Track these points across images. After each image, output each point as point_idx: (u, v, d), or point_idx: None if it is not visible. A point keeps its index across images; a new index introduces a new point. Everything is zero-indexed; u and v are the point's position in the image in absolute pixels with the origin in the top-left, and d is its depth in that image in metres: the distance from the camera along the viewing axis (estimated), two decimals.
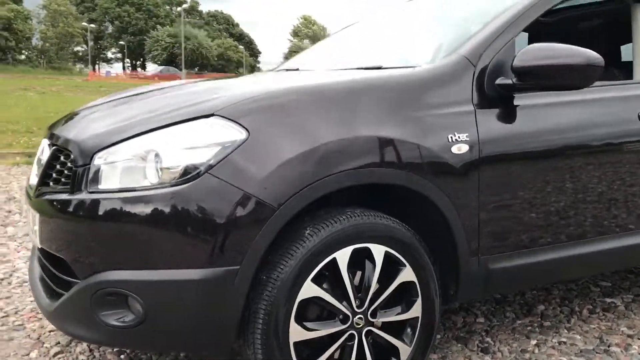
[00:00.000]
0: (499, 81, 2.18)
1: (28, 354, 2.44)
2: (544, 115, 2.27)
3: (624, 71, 2.92)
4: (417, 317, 2.08)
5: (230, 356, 2.29)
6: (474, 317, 2.92)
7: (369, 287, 1.96)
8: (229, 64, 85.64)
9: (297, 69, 2.84)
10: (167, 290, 1.74)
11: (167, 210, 1.73)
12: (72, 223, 1.88)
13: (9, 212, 5.02)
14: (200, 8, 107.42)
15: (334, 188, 1.85)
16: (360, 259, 1.95)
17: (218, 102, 1.88)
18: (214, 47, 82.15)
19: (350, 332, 1.94)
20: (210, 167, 1.73)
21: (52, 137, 2.24)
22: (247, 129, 1.78)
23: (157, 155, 1.78)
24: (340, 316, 1.92)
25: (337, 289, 1.91)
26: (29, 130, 10.30)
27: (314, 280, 1.85)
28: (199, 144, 1.77)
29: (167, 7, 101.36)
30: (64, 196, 1.89)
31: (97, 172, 1.83)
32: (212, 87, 2.35)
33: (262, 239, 1.75)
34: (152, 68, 68.89)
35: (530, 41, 3.37)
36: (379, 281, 1.98)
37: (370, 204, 2.05)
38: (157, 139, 1.81)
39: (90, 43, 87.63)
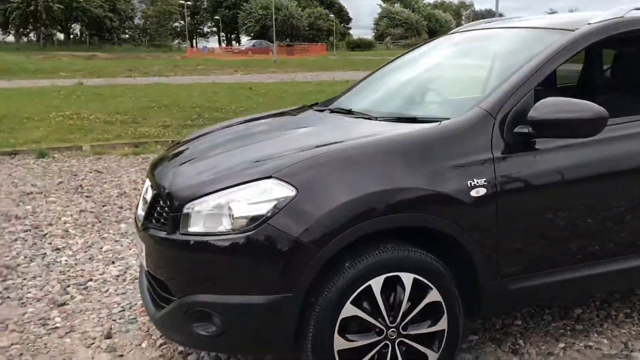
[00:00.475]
0: (517, 129, 2.54)
1: (140, 344, 3.11)
2: (557, 156, 2.60)
3: None
4: (444, 330, 2.52)
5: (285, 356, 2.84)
6: (513, 319, 3.30)
7: (400, 306, 2.42)
8: (320, 33, 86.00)
9: (350, 110, 3.27)
10: (239, 310, 2.30)
11: (237, 250, 2.27)
12: (170, 256, 2.48)
13: (121, 207, 5.81)
14: None
15: (366, 231, 2.32)
16: (394, 283, 2.41)
17: (276, 164, 2.39)
18: (304, 17, 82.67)
19: (385, 342, 2.43)
20: (268, 218, 2.25)
21: (152, 178, 2.85)
22: (296, 188, 2.28)
23: (229, 208, 2.32)
24: (376, 329, 2.41)
25: (373, 308, 2.39)
26: (134, 120, 11.34)
27: (352, 302, 2.34)
28: (261, 199, 2.29)
29: None
30: (163, 234, 2.49)
31: (187, 218, 2.41)
32: (269, 142, 2.87)
33: (308, 273, 2.26)
34: (245, 41, 70.62)
35: None
36: (409, 301, 2.44)
37: (405, 237, 2.50)
38: (230, 195, 2.35)
39: (188, 19, 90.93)
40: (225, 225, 2.32)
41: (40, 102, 13.02)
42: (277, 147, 2.64)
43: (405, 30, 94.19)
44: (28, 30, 64.23)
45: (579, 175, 2.65)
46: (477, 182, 2.46)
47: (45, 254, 4.45)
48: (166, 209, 2.54)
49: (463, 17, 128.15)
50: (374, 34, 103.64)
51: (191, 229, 2.39)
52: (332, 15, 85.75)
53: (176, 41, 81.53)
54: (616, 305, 3.47)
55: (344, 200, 2.29)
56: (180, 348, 3.03)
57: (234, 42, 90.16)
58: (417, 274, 2.42)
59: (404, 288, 2.42)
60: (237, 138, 3.07)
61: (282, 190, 2.29)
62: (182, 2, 65.18)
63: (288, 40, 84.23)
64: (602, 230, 2.75)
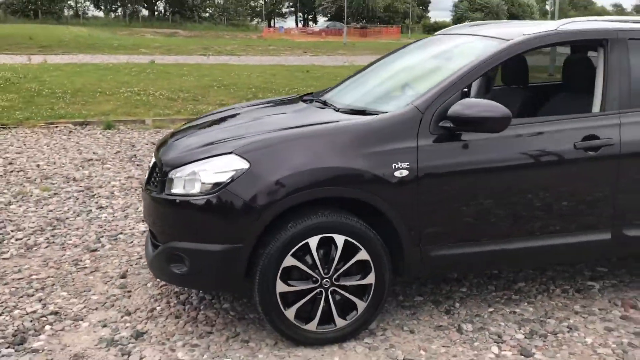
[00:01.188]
0: (441, 124, 3.07)
1: (146, 284, 3.86)
2: (475, 147, 3.11)
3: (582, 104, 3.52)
4: (371, 284, 3.11)
5: (242, 293, 3.48)
6: (459, 287, 3.83)
7: (333, 261, 3.02)
8: (396, 15, 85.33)
9: (324, 102, 3.84)
10: (202, 255, 2.98)
11: (203, 208, 2.95)
12: (158, 211, 3.18)
13: None
14: None
15: (304, 199, 2.93)
16: (329, 243, 3.02)
17: (239, 143, 3.04)
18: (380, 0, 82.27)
19: (320, 289, 3.04)
20: (227, 184, 2.91)
21: (156, 150, 3.56)
22: (250, 162, 2.92)
23: (200, 175, 2.99)
24: (313, 279, 3.02)
25: (310, 261, 3.01)
26: (194, 98, 12.26)
27: (293, 255, 2.96)
28: (222, 170, 2.95)
29: None
30: (155, 194, 3.20)
31: (171, 182, 3.10)
32: (245, 124, 3.51)
33: (255, 229, 2.90)
34: (320, 23, 71.26)
35: None
36: (342, 257, 3.03)
37: (343, 207, 3.09)
38: (202, 165, 3.02)
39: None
40: (196, 188, 3.00)
41: (113, 78, 14.18)
42: (249, 130, 3.29)
43: (485, 15, 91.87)
44: (116, 6, 67.50)
45: (492, 165, 3.15)
46: (401, 165, 3.01)
47: (90, 210, 5.32)
48: (159, 174, 3.24)
49: (549, 2, 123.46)
50: (452, 17, 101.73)
51: (173, 190, 3.08)
52: None
53: (255, 21, 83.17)
54: (559, 282, 3.92)
55: (286, 174, 2.91)
56: (176, 289, 3.76)
57: (310, 23, 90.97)
58: (348, 236, 3.01)
59: (336, 247, 3.01)
60: (226, 118, 3.74)
61: (239, 163, 2.94)
62: None
63: (365, 22, 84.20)
64: (511, 212, 3.24)
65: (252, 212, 2.90)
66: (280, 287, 3.00)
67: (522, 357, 3.04)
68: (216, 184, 2.94)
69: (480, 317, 3.45)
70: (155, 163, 3.42)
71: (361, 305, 3.13)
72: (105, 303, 3.57)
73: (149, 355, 3.01)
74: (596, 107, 3.40)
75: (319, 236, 2.98)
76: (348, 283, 3.09)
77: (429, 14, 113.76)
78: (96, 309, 3.50)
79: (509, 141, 3.17)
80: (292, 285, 3.02)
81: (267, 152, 2.99)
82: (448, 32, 4.41)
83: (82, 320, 3.37)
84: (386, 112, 3.19)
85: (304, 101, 3.99)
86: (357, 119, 3.23)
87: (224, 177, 2.93)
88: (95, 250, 4.40)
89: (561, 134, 3.26)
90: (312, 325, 3.07)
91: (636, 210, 3.41)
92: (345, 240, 3.02)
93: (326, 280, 3.04)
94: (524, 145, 3.22)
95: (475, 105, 2.99)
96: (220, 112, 4.14)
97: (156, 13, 72.64)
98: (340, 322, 3.11)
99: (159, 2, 72.36)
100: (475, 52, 3.39)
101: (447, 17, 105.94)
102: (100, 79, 13.97)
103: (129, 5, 65.47)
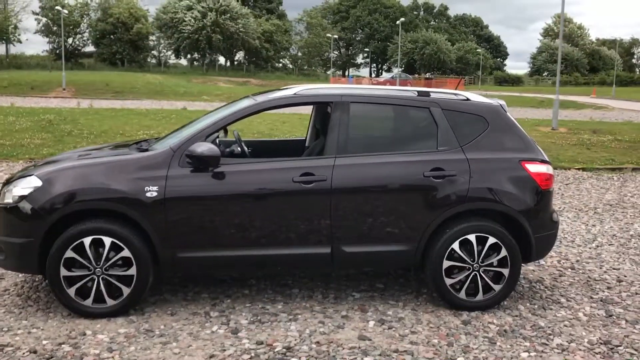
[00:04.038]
0: (186, 160, 4.25)
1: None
2: (206, 177, 4.25)
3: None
4: (134, 275, 4.26)
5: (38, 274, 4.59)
6: (240, 289, 4.88)
7: (102, 256, 4.21)
8: (468, 66, 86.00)
9: (141, 146, 5.08)
10: (10, 246, 4.25)
11: (12, 213, 4.24)
12: None
13: None
14: (449, 12, 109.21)
15: (79, 209, 4.16)
16: (101, 242, 4.21)
17: (40, 170, 4.34)
18: (453, 51, 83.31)
19: (92, 276, 4.23)
20: (25, 197, 4.20)
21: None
22: (42, 181, 4.20)
23: (12, 189, 4.30)
24: (88, 268, 4.22)
25: (85, 255, 4.21)
26: None
27: (72, 249, 4.18)
28: (26, 186, 4.24)
29: (415, 13, 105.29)
30: None
31: (3, 194, 4.42)
32: (73, 157, 4.80)
33: (41, 228, 4.15)
34: (385, 74, 73.15)
35: None
36: (109, 253, 4.21)
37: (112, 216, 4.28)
38: (16, 182, 4.33)
39: (343, 50, 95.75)
40: (9, 199, 4.30)
41: (138, 122, 16.11)
42: (65, 162, 4.57)
43: (565, 67, 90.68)
44: (196, 56, 72.42)
45: (214, 192, 4.27)
46: (151, 188, 4.20)
47: None
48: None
49: (635, 56, 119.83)
50: (529, 69, 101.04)
51: (5, 201, 4.40)
52: (481, 49, 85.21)
53: (330, 71, 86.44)
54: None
55: (64, 191, 4.17)
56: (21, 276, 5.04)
57: (384, 73, 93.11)
58: (114, 238, 4.20)
59: (104, 246, 4.21)
60: (83, 153, 5.03)
61: (36, 182, 4.23)
62: (331, 35, 69.40)
63: (434, 73, 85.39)
64: (238, 227, 4.31)
65: (40, 216, 4.16)
66: (63, 272, 4.21)
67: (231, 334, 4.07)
68: (21, 196, 4.24)
69: (224, 306, 4.50)
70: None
71: (126, 290, 4.28)
72: None
73: None
74: (322, 152, 4.48)
75: (91, 237, 4.19)
76: (115, 273, 4.26)
77: (506, 66, 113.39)
78: None
79: (241, 174, 4.32)
80: (72, 271, 4.23)
81: (57, 176, 4.27)
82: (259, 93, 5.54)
83: None
84: (154, 151, 4.41)
85: (138, 143, 5.22)
86: (134, 154, 4.46)
87: (25, 192, 4.23)
88: None
89: (283, 171, 4.35)
90: (88, 302, 4.26)
91: (347, 230, 4.39)
92: (112, 242, 4.21)
93: (98, 270, 4.23)
94: (250, 176, 4.34)
95: (200, 145, 4.16)
96: (88, 149, 5.46)
97: (235, 62, 77.19)
98: (110, 302, 4.27)
99: (239, 52, 76.88)
100: (234, 108, 4.57)
101: (525, 68, 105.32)
102: (126, 122, 15.92)
103: (207, 55, 70.11)
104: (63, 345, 3.84)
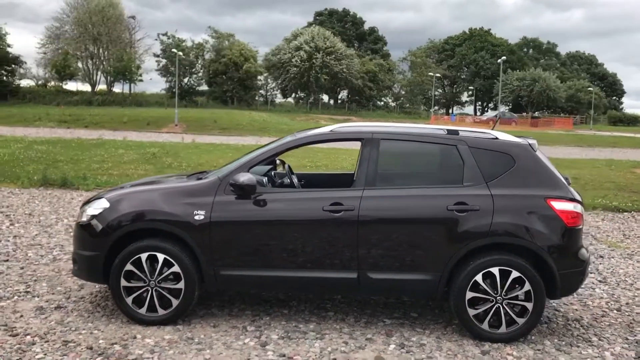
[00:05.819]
0: (230, 188, 4.80)
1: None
2: (249, 205, 4.76)
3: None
4: (182, 288, 4.83)
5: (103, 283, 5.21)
6: (274, 307, 5.31)
7: (155, 270, 4.82)
8: (580, 105, 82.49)
9: (201, 174, 5.71)
10: (82, 258, 4.97)
11: (85, 229, 4.97)
12: (74, 229, 5.27)
13: None
14: (558, 49, 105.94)
15: (138, 228, 4.81)
16: (155, 258, 4.83)
17: (110, 194, 5.06)
18: (563, 89, 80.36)
19: (147, 287, 4.85)
20: (95, 216, 4.91)
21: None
22: (110, 203, 4.91)
23: (87, 209, 5.04)
24: (144, 280, 4.84)
25: (142, 269, 4.84)
26: None
27: (131, 263, 4.83)
28: (96, 207, 4.97)
29: (524, 50, 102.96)
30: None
31: (81, 212, 5.17)
32: (142, 183, 5.49)
33: (107, 243, 4.82)
34: (489, 112, 71.77)
35: None
36: (163, 268, 4.81)
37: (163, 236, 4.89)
38: (90, 204, 5.07)
39: (447, 88, 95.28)
40: (84, 218, 5.04)
41: (232, 156, 17.14)
42: (130, 187, 5.27)
43: None
44: (301, 95, 75.05)
45: (253, 217, 4.76)
46: (199, 212, 4.78)
47: None
48: None
49: None
50: None
51: (81, 219, 5.14)
52: (593, 87, 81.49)
53: (432, 109, 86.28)
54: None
55: (127, 212, 4.84)
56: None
57: (489, 111, 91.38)
58: (166, 255, 4.80)
59: (158, 261, 4.82)
60: (153, 181, 5.73)
61: (105, 204, 4.94)
62: (434, 74, 69.46)
63: (549, 111, 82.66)
64: (272, 248, 4.75)
65: (106, 233, 4.85)
66: (123, 282, 4.86)
67: (260, 346, 4.50)
68: (92, 216, 4.96)
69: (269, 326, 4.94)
70: None
71: (175, 302, 4.85)
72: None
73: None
74: (351, 184, 4.87)
75: (147, 253, 4.82)
76: (166, 286, 4.85)
77: (623, 104, 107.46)
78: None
79: (278, 202, 4.82)
80: (131, 283, 4.87)
81: (121, 199, 4.96)
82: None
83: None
84: (206, 180, 5.01)
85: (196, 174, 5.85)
86: (188, 182, 5.08)
87: (95, 212, 4.95)
88: None
89: (315, 200, 4.78)
90: (143, 310, 4.87)
91: (373, 258, 4.71)
92: (164, 258, 4.81)
93: (152, 282, 4.84)
94: (286, 204, 4.81)
95: (243, 176, 4.70)
96: (158, 177, 6.18)
97: (339, 101, 79.11)
98: (161, 311, 4.86)
99: (342, 91, 78.82)
100: (277, 143, 5.09)
101: None
102: (220, 156, 17.04)
103: (312, 94, 72.49)
104: (115, 345, 4.44)
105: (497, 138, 5.00)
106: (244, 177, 4.72)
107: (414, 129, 5.16)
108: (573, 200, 4.80)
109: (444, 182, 4.88)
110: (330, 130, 5.09)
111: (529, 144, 4.97)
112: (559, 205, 4.71)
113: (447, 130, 5.07)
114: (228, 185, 4.82)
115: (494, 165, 4.83)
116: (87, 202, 5.22)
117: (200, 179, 5.21)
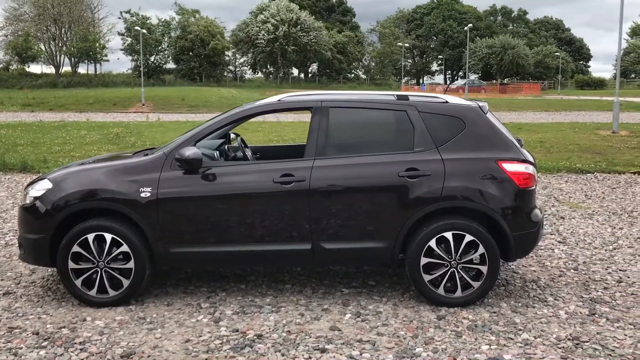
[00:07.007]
0: (176, 163, 4.66)
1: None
2: (196, 179, 4.63)
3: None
4: (132, 268, 4.70)
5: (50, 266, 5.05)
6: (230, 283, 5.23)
7: (103, 250, 4.68)
8: (548, 71, 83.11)
9: (149, 149, 5.55)
10: (27, 242, 4.81)
11: (28, 211, 4.80)
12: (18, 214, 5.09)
13: None
14: (528, 16, 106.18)
15: (82, 208, 4.66)
16: (103, 238, 4.69)
17: (53, 174, 4.87)
18: (531, 56, 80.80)
19: (96, 269, 4.71)
20: (38, 198, 4.74)
21: None
22: (52, 183, 4.73)
23: (29, 191, 4.86)
24: (92, 261, 4.70)
25: (90, 250, 4.69)
26: None
27: (78, 245, 4.67)
28: (40, 188, 4.79)
29: (492, 18, 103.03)
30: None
31: (24, 196, 4.99)
32: (86, 163, 5.32)
33: (51, 225, 4.66)
34: (458, 81, 71.93)
35: None
36: (111, 248, 4.67)
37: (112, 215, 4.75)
38: (34, 185, 4.89)
39: (417, 58, 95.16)
40: (28, 200, 4.86)
41: None
42: (73, 167, 5.09)
43: None
44: (271, 70, 74.29)
45: (207, 193, 4.63)
46: (145, 190, 4.63)
47: None
48: None
49: None
50: (615, 71, 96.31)
51: (25, 202, 4.96)
52: (559, 53, 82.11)
53: (404, 80, 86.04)
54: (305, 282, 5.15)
55: (70, 192, 4.67)
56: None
57: (458, 79, 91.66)
58: (113, 234, 4.66)
59: (105, 241, 4.68)
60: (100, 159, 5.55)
61: (47, 185, 4.77)
62: (403, 44, 69.17)
63: (517, 78, 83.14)
64: (223, 223, 4.64)
65: (49, 215, 4.69)
66: (71, 264, 4.71)
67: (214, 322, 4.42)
68: (35, 197, 4.79)
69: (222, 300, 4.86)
70: None
71: (126, 282, 4.73)
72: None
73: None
74: (302, 155, 4.76)
75: (94, 233, 4.67)
76: (116, 266, 4.72)
77: (590, 69, 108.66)
78: None
79: (227, 175, 4.70)
80: (78, 264, 4.72)
81: (64, 178, 4.79)
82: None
83: None
84: (151, 156, 4.85)
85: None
86: (133, 159, 4.92)
87: (39, 193, 4.78)
88: None
89: (266, 172, 4.67)
90: (93, 292, 4.73)
91: (326, 228, 4.64)
92: (112, 238, 4.67)
93: (101, 262, 4.70)
94: (235, 178, 4.69)
95: (188, 150, 4.55)
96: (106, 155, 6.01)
97: (309, 74, 78.51)
98: (112, 292, 4.73)
99: (312, 65, 78.18)
100: (224, 116, 4.95)
101: (612, 71, 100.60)
102: None
103: (282, 68, 71.79)
104: (63, 329, 4.32)
105: (447, 102, 4.93)
106: (190, 151, 4.57)
107: (363, 96, 5.06)
108: (525, 161, 4.76)
109: (395, 148, 4.80)
110: (279, 100, 4.95)
111: (479, 107, 4.91)
112: (510, 167, 4.67)
113: (397, 95, 4.98)
114: (174, 161, 4.68)
115: (445, 129, 4.76)
116: (30, 183, 5.04)
117: (147, 155, 5.06)
